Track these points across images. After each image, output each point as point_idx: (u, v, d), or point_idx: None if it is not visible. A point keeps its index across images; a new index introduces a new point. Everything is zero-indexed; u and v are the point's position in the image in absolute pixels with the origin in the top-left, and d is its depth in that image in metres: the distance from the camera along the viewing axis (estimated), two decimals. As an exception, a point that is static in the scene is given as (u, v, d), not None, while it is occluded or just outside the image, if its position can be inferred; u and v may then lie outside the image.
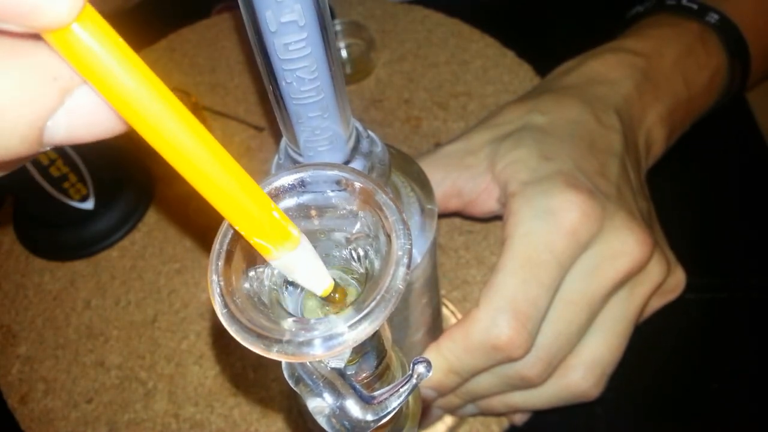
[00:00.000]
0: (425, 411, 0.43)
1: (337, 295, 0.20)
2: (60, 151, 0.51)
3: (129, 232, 0.57)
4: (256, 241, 0.17)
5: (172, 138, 0.15)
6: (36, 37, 0.13)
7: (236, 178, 0.16)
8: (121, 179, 0.57)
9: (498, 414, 0.45)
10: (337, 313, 0.17)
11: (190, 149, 0.15)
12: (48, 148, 0.15)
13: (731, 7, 0.52)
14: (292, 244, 0.18)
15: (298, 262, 0.18)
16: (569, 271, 0.38)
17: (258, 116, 0.63)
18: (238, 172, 0.16)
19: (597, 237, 0.38)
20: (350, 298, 0.21)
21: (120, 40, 0.14)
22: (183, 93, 0.61)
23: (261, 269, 0.19)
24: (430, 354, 0.38)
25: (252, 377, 0.48)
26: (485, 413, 0.44)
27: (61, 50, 0.13)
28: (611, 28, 0.56)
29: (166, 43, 0.70)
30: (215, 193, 0.16)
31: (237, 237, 0.18)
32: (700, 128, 0.54)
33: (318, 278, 0.19)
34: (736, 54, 0.51)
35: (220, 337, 0.50)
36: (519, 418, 0.44)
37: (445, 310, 0.50)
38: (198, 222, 0.56)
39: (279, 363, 0.19)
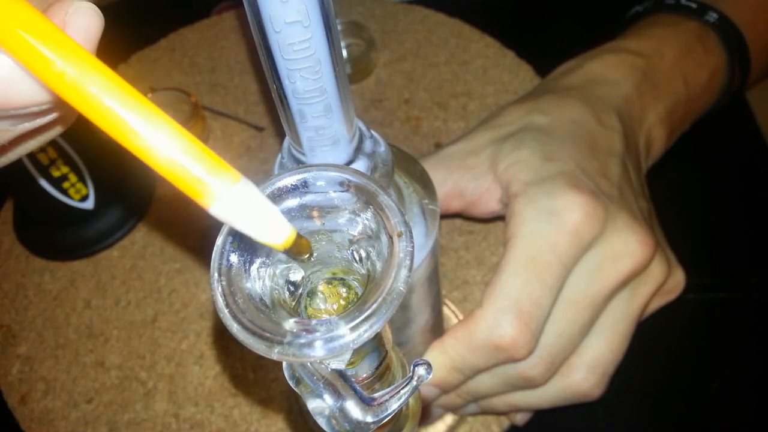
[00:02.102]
0: (426, 410, 0.43)
1: (302, 249, 0.17)
2: (60, 151, 0.51)
3: (129, 232, 0.57)
4: (184, 178, 0.15)
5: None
6: None
7: (146, 106, 0.14)
8: (121, 179, 0.57)
9: (500, 413, 0.45)
10: (332, 304, 0.17)
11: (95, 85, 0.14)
12: None
13: (730, 6, 0.52)
14: (232, 178, 0.15)
15: (244, 203, 0.15)
16: (572, 271, 0.38)
17: (258, 116, 0.63)
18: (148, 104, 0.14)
19: (599, 237, 0.38)
20: (323, 271, 0.20)
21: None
22: (183, 93, 0.61)
23: (263, 269, 0.19)
24: (434, 351, 0.38)
25: (252, 377, 0.48)
26: (487, 412, 0.44)
27: None
28: (611, 28, 0.56)
29: (166, 43, 0.70)
30: (128, 128, 0.14)
31: (239, 237, 0.18)
32: (700, 128, 0.54)
33: (274, 224, 0.16)
34: (736, 53, 0.51)
35: (220, 337, 0.50)
36: (520, 418, 0.44)
37: (445, 310, 0.50)
38: (198, 222, 0.56)
39: (279, 363, 0.19)
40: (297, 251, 0.17)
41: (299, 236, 0.17)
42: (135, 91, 0.15)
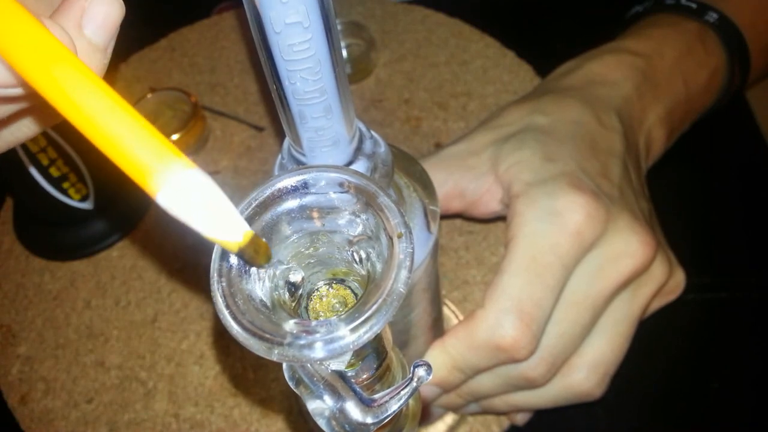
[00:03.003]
0: (426, 410, 0.43)
1: (259, 251, 0.15)
2: (60, 151, 0.51)
3: (129, 232, 0.57)
4: (128, 159, 0.13)
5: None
6: None
7: (95, 84, 0.14)
8: (121, 179, 0.57)
9: (500, 413, 0.45)
10: (330, 313, 0.17)
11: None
12: None
13: (730, 6, 0.52)
14: (183, 165, 0.14)
15: (194, 193, 0.14)
16: (573, 272, 0.38)
17: (258, 116, 0.63)
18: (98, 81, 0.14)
19: (601, 238, 0.38)
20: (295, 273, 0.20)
21: None
22: (183, 93, 0.61)
23: (263, 270, 0.19)
24: (435, 351, 0.38)
25: (252, 377, 0.48)
26: (487, 412, 0.44)
27: None
28: (611, 28, 0.56)
29: (166, 43, 0.70)
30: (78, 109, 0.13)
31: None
32: (700, 128, 0.54)
33: (227, 220, 0.14)
34: (736, 53, 0.51)
35: (220, 337, 0.50)
36: (521, 418, 0.44)
37: (446, 310, 0.50)
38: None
39: (279, 364, 0.19)
40: (252, 254, 0.15)
41: (256, 237, 0.15)
42: (86, 68, 0.14)
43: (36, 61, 0.14)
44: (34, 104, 0.20)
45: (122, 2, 0.19)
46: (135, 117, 0.14)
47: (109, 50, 0.19)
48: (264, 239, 0.17)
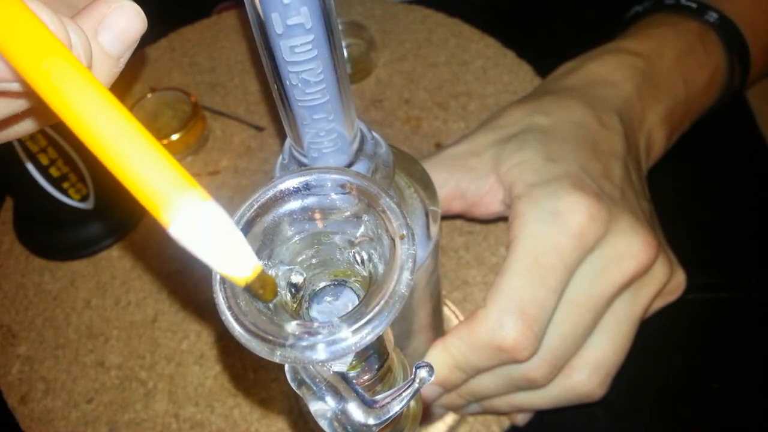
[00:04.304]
0: (427, 410, 0.43)
1: (266, 287, 0.15)
2: (60, 151, 0.51)
3: (129, 232, 0.57)
4: (141, 188, 0.13)
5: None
6: None
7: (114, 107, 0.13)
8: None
9: (501, 413, 0.45)
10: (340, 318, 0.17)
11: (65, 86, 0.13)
12: None
13: (730, 6, 0.52)
14: (198, 197, 0.13)
15: (207, 226, 0.14)
16: (575, 273, 0.38)
17: (258, 116, 0.63)
18: (117, 106, 0.13)
19: (603, 239, 0.38)
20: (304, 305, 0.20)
21: None
22: (183, 93, 0.61)
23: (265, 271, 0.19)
24: (436, 350, 0.38)
25: (252, 377, 0.48)
26: (488, 412, 0.44)
27: None
28: (611, 28, 0.56)
29: (166, 43, 0.70)
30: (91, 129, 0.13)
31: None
32: (700, 128, 0.54)
33: (238, 255, 0.14)
34: (736, 52, 0.51)
35: (220, 337, 0.50)
36: (521, 418, 0.44)
37: (446, 311, 0.50)
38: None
39: (280, 364, 0.19)
40: (259, 288, 0.15)
41: (264, 274, 0.15)
42: (98, 83, 0.14)
43: (39, 67, 0.14)
44: (36, 105, 0.20)
45: (145, 18, 0.18)
46: (150, 141, 0.13)
47: (123, 60, 0.19)
48: (266, 243, 0.17)
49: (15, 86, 0.17)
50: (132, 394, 0.49)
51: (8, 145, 0.49)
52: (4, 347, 0.52)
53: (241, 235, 0.14)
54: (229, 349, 0.50)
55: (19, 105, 0.18)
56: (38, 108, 0.20)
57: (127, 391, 0.49)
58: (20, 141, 0.49)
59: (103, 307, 0.53)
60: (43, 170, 0.51)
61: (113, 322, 0.52)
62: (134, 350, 0.51)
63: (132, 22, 0.17)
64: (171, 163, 0.13)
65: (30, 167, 0.50)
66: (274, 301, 0.19)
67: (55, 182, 0.52)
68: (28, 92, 0.17)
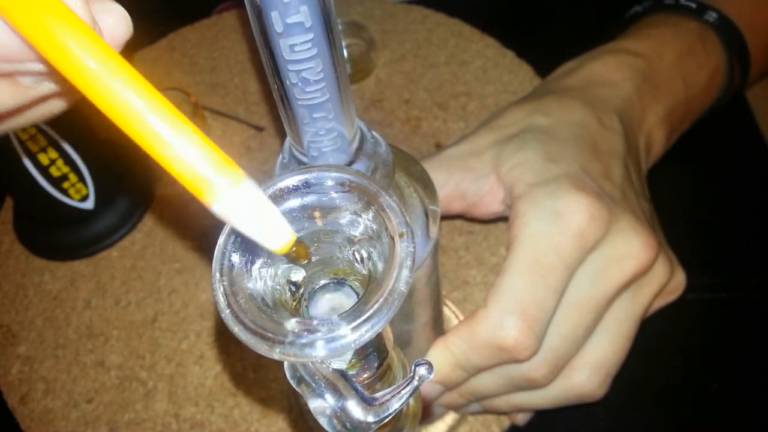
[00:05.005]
0: (426, 409, 0.43)
1: (300, 253, 0.17)
2: (60, 151, 0.51)
3: (129, 232, 0.57)
4: (187, 174, 0.14)
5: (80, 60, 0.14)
6: None
7: (152, 95, 0.14)
8: (121, 179, 0.57)
9: (502, 413, 0.45)
10: (340, 315, 0.17)
11: (97, 69, 0.14)
12: None
13: (729, 6, 0.52)
14: (236, 177, 0.15)
15: (247, 204, 0.15)
16: (576, 273, 0.38)
17: (258, 116, 0.63)
18: (153, 92, 0.14)
19: (603, 240, 0.38)
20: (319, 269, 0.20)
21: None
22: (183, 93, 0.61)
23: (264, 269, 0.19)
24: (437, 348, 0.38)
25: (252, 377, 0.48)
26: (489, 411, 0.44)
27: None
28: (611, 28, 0.56)
29: (166, 43, 0.70)
30: (130, 116, 0.14)
31: (241, 236, 0.18)
32: (700, 128, 0.54)
33: (275, 227, 0.16)
34: (735, 52, 0.51)
35: (220, 337, 0.50)
36: (521, 418, 0.44)
37: (445, 310, 0.50)
38: (198, 222, 0.56)
39: (279, 363, 0.19)
40: (296, 255, 0.17)
41: (298, 241, 0.16)
42: (139, 75, 0.14)
43: (77, 57, 0.14)
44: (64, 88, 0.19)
45: (131, 24, 0.18)
46: (191, 127, 0.14)
47: None
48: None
49: (37, 66, 0.16)
50: (132, 394, 0.49)
51: (8, 146, 0.49)
52: (4, 347, 0.52)
53: (276, 209, 0.16)
54: (229, 348, 0.50)
55: (48, 87, 0.18)
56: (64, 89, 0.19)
57: (127, 391, 0.49)
58: (20, 141, 0.49)
59: (103, 307, 0.53)
60: (43, 170, 0.51)
61: (113, 322, 0.52)
62: (134, 350, 0.51)
63: (118, 26, 0.17)
64: (209, 145, 0.14)
65: (30, 167, 0.50)
66: (275, 299, 0.19)
67: (55, 182, 0.52)
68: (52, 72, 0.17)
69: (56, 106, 0.21)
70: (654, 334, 0.44)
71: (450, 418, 0.46)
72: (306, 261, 0.18)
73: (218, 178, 0.14)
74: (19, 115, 0.20)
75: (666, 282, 0.41)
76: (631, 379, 0.43)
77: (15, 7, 0.14)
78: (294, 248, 0.16)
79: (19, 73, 0.17)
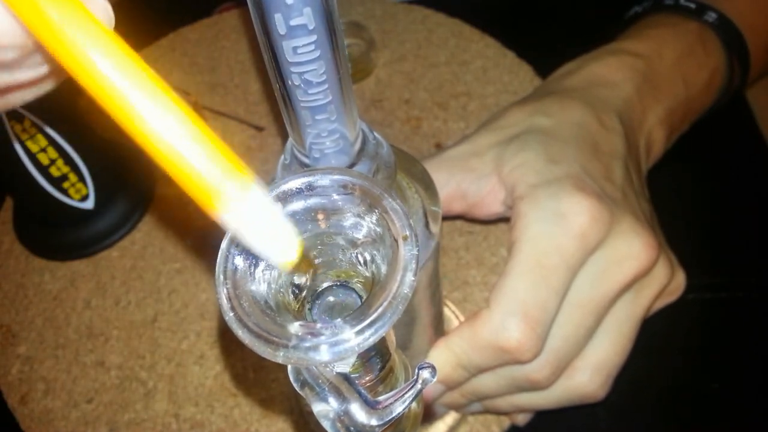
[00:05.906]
0: (427, 409, 0.43)
1: (301, 265, 0.16)
2: (60, 151, 0.51)
3: (129, 232, 0.57)
4: (193, 181, 0.13)
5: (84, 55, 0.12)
6: None
7: (163, 91, 0.12)
8: (121, 179, 0.57)
9: (503, 413, 0.45)
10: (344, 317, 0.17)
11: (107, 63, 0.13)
12: None
13: (729, 6, 0.52)
14: (247, 183, 0.14)
15: (257, 211, 0.14)
16: (577, 274, 0.38)
17: (258, 116, 0.63)
18: (166, 90, 0.13)
19: (604, 241, 0.38)
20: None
21: None
22: (183, 92, 0.61)
23: (267, 272, 0.19)
24: (439, 348, 0.38)
25: (252, 377, 0.48)
26: (490, 412, 0.45)
27: None
28: (611, 28, 0.56)
29: (166, 42, 0.70)
30: (135, 116, 0.13)
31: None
32: (700, 128, 0.54)
33: (284, 237, 0.15)
34: (735, 53, 0.51)
35: (220, 338, 0.50)
36: (522, 418, 0.45)
37: (446, 311, 0.50)
38: (198, 222, 0.55)
39: (280, 364, 0.19)
40: (300, 270, 0.17)
41: (304, 256, 0.16)
42: (143, 64, 0.13)
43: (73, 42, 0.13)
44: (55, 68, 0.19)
45: (113, 16, 0.18)
46: (203, 129, 0.13)
47: None
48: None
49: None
50: (132, 394, 0.49)
51: (8, 146, 0.49)
52: (4, 347, 0.52)
53: (285, 220, 0.15)
54: (229, 349, 0.50)
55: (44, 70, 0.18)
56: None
57: (127, 391, 0.49)
58: (20, 141, 0.49)
59: (103, 307, 0.53)
60: (43, 170, 0.51)
61: (113, 322, 0.52)
62: (134, 350, 0.51)
63: (100, 18, 0.17)
64: (224, 152, 0.13)
65: (30, 167, 0.50)
66: (278, 302, 0.19)
67: (55, 182, 0.52)
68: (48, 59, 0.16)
69: (42, 89, 0.20)
70: (654, 334, 0.44)
71: (450, 418, 0.46)
72: (309, 270, 0.18)
73: (227, 184, 0.13)
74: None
75: (667, 283, 0.41)
76: (631, 379, 0.43)
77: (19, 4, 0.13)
78: (301, 262, 0.16)
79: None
